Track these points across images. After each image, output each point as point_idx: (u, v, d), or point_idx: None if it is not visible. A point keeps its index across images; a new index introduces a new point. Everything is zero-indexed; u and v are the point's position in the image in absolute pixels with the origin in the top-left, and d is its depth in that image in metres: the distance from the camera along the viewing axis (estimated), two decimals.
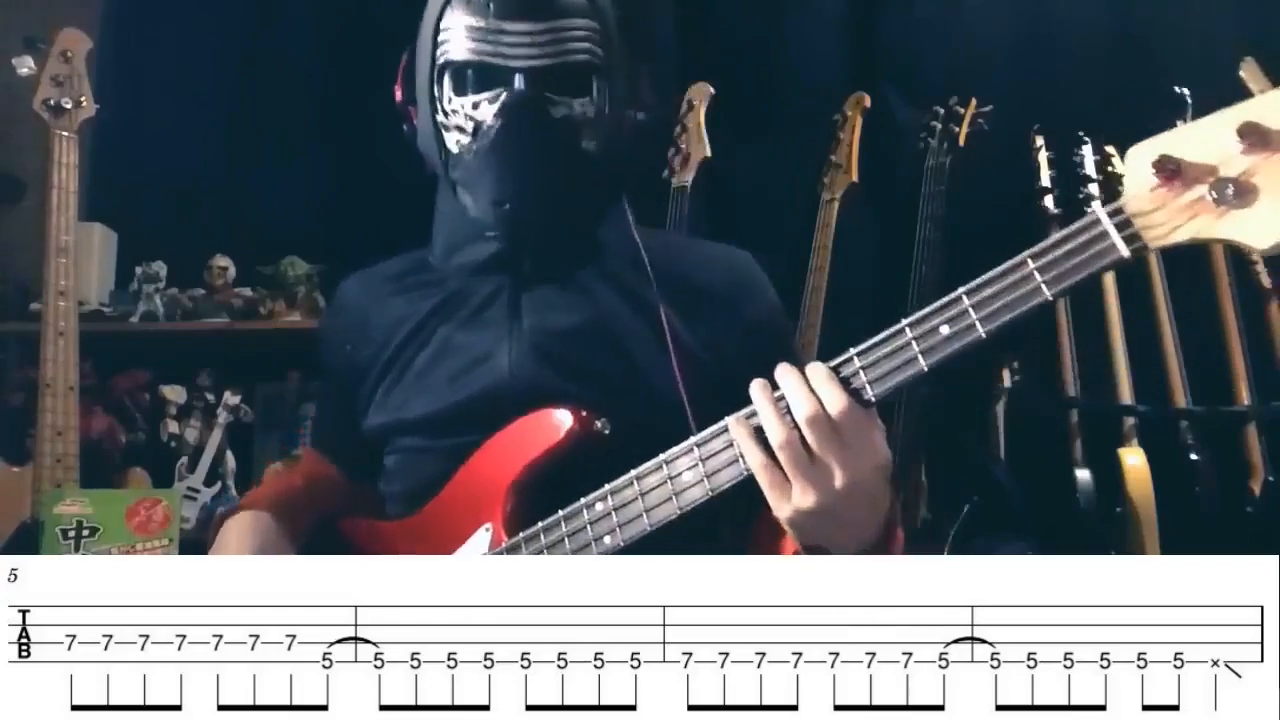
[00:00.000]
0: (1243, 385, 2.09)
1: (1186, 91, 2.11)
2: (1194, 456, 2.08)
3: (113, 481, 2.15)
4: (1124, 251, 0.73)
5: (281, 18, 2.63)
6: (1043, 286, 0.75)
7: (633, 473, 0.90)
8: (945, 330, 0.78)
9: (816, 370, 0.82)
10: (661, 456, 0.89)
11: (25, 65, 1.98)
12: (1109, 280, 2.17)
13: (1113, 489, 2.05)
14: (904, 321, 0.80)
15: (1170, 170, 0.72)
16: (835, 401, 0.79)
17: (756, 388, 0.83)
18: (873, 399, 0.81)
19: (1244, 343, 2.11)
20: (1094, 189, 2.23)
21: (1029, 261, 0.76)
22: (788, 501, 0.81)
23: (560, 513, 0.94)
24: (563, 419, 0.98)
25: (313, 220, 2.49)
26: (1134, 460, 2.06)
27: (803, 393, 0.81)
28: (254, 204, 2.52)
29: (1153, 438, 2.10)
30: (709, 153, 2.25)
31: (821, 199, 2.28)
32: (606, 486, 0.91)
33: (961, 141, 2.25)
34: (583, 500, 0.92)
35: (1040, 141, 2.28)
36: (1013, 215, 2.29)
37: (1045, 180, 2.25)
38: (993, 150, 2.28)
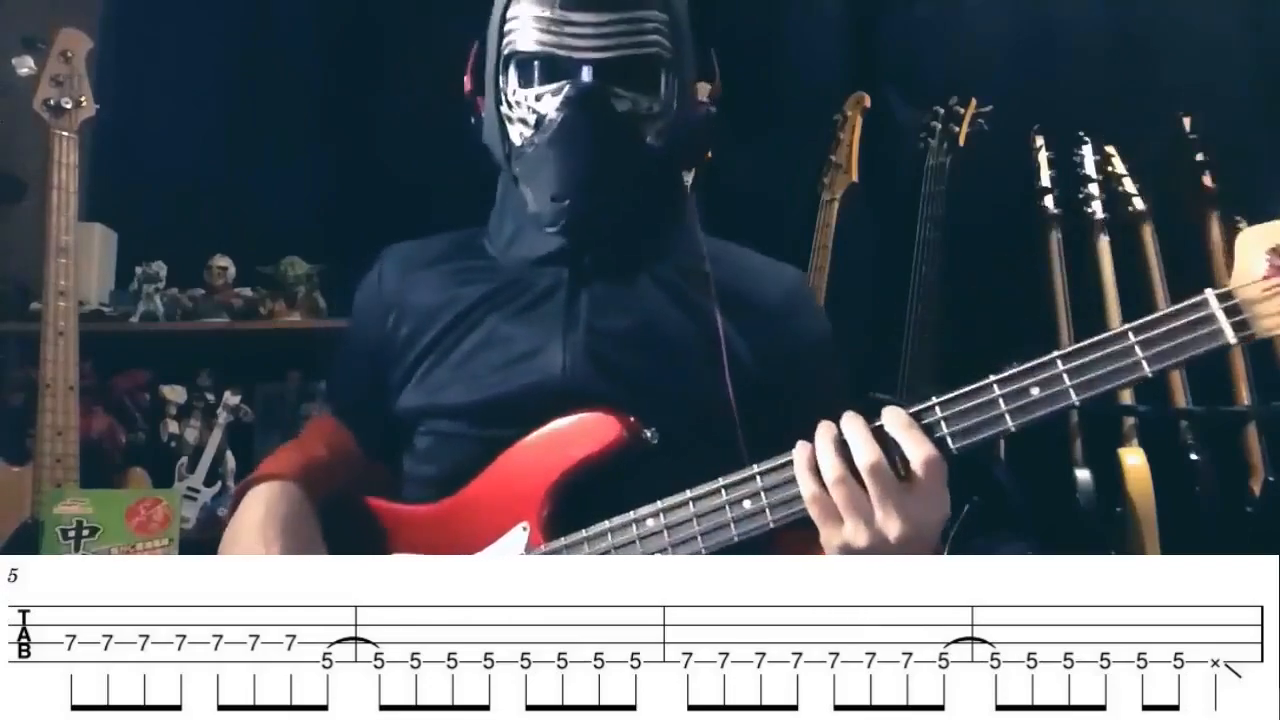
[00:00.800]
0: (1243, 385, 2.09)
1: (1184, 115, 2.12)
2: (1194, 456, 2.08)
3: (113, 481, 2.14)
4: (1231, 339, 0.73)
5: (281, 18, 2.63)
6: (1143, 363, 0.75)
7: (689, 492, 0.88)
8: (1036, 392, 0.78)
9: (896, 415, 0.81)
10: (721, 480, 0.87)
11: (25, 65, 1.98)
12: (1109, 280, 2.17)
13: (1113, 489, 2.05)
14: (992, 378, 0.79)
15: None
16: (919, 449, 0.79)
17: (821, 428, 0.82)
18: (955, 451, 0.80)
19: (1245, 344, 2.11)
20: (1094, 189, 2.24)
21: (1130, 334, 0.76)
22: (839, 536, 0.81)
23: (607, 523, 0.92)
24: (612, 424, 0.96)
25: (313, 220, 2.49)
26: (1134, 460, 2.06)
27: (866, 440, 0.80)
28: (254, 204, 2.52)
29: (1153, 438, 2.10)
30: (709, 153, 2.24)
31: (821, 199, 2.28)
32: (660, 503, 0.89)
33: (961, 141, 2.25)
34: (633, 514, 0.90)
35: (1040, 141, 2.28)
36: (1013, 215, 2.29)
37: (1045, 180, 2.26)
38: (993, 150, 2.28)
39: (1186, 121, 2.22)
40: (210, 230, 2.54)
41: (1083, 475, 2.09)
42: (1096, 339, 0.77)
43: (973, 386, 0.80)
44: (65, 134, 1.98)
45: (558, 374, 1.02)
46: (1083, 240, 2.23)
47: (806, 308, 1.13)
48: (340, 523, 1.05)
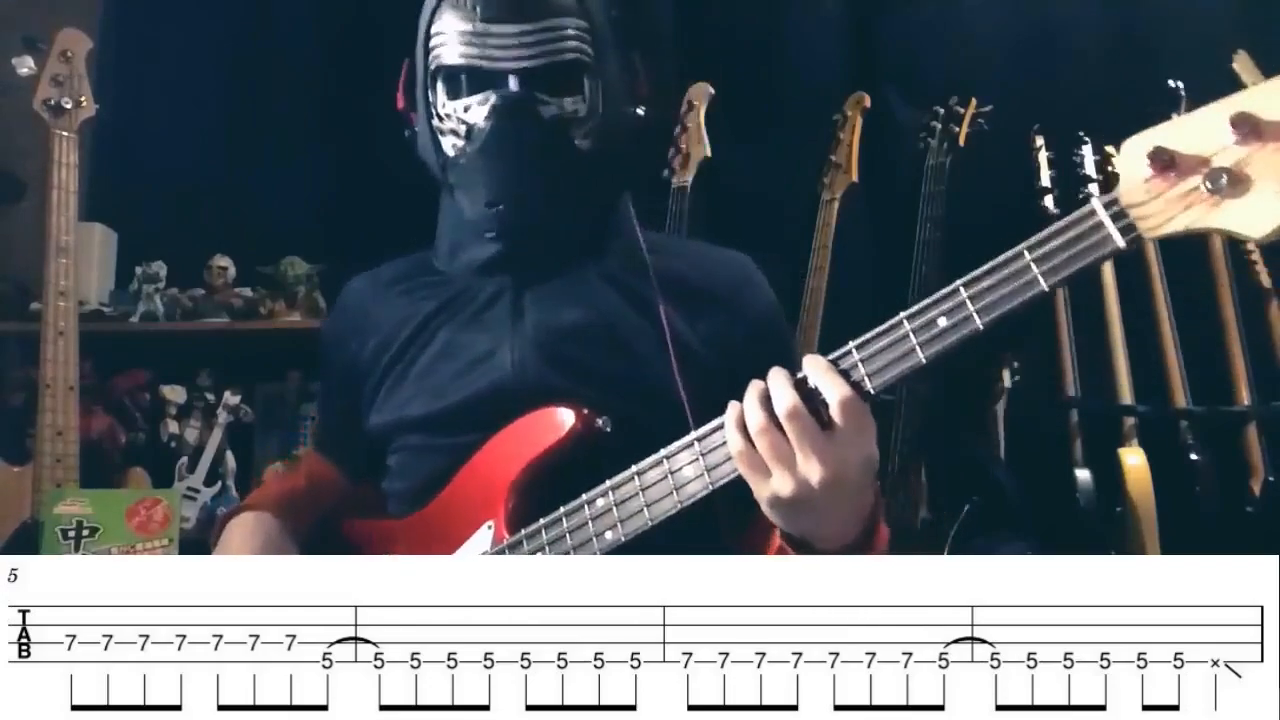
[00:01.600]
0: (1243, 385, 2.09)
1: (1181, 85, 2.11)
2: (1194, 456, 2.08)
3: (113, 481, 2.15)
4: (1120, 242, 0.74)
5: (281, 18, 2.63)
6: (1039, 278, 0.76)
7: (634, 468, 0.90)
8: (943, 322, 0.79)
9: (815, 361, 0.82)
10: (662, 451, 0.89)
11: (25, 65, 1.98)
12: (1109, 279, 2.17)
13: (1113, 489, 2.05)
14: (902, 314, 0.80)
15: (1164, 161, 0.72)
16: (836, 390, 0.80)
17: (750, 386, 0.84)
18: (873, 391, 0.81)
19: (1244, 343, 2.11)
20: (1094, 189, 2.23)
21: (1025, 253, 0.76)
22: (766, 486, 0.82)
23: (561, 509, 0.94)
24: (564, 417, 0.99)
25: (313, 220, 2.49)
26: (1134, 460, 2.06)
27: (784, 388, 0.81)
28: (254, 204, 2.52)
29: (1153, 438, 2.10)
30: (709, 153, 2.25)
31: (821, 199, 2.28)
32: (608, 482, 0.91)
33: (961, 141, 2.25)
34: (584, 496, 0.92)
35: (1040, 141, 2.28)
36: (1013, 215, 2.29)
37: (1045, 180, 2.26)
38: (993, 150, 2.28)
39: None
40: (210, 230, 2.54)
41: (1083, 475, 2.08)
42: (994, 262, 0.78)
43: (884, 326, 0.81)
44: (65, 134, 1.98)
45: (509, 375, 1.05)
46: None
47: (754, 290, 1.13)
48: (321, 548, 1.09)
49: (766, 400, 0.82)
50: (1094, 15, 2.43)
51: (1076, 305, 2.17)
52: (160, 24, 2.63)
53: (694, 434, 0.88)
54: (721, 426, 0.86)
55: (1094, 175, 2.24)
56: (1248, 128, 0.70)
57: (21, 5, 2.33)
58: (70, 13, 2.26)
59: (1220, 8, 2.37)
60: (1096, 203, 0.75)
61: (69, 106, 1.98)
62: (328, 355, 1.21)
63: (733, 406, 0.84)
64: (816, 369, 0.82)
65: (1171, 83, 2.11)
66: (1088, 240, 0.75)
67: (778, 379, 0.83)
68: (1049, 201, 2.24)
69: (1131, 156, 0.74)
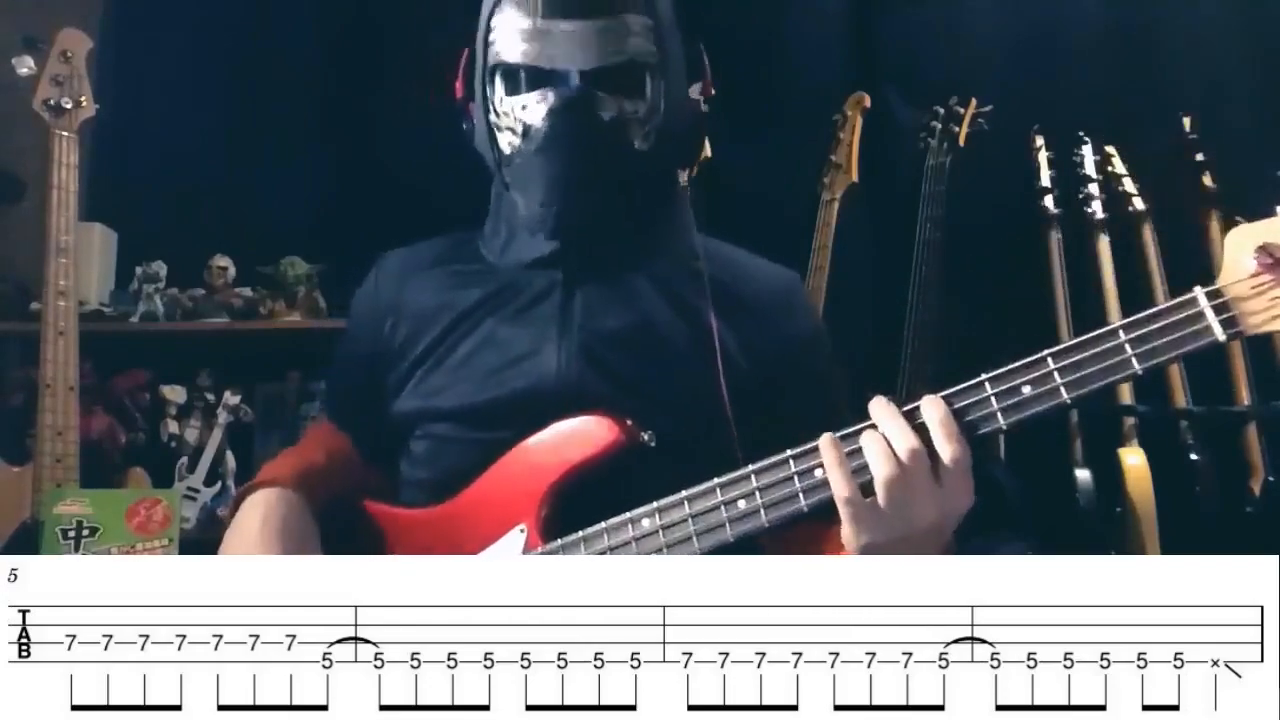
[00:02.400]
0: (1243, 385, 2.09)
1: (1184, 116, 2.12)
2: (1194, 456, 2.08)
3: (113, 481, 2.14)
4: (1220, 336, 0.74)
5: (281, 18, 2.63)
6: (1133, 360, 0.76)
7: (684, 493, 0.88)
8: (1027, 391, 0.78)
9: (938, 406, 0.80)
10: (716, 481, 0.87)
11: (25, 65, 1.98)
12: (1109, 279, 2.17)
13: (1113, 489, 2.05)
14: (984, 376, 0.80)
15: (1272, 259, 0.72)
16: (951, 447, 0.79)
17: (868, 435, 0.82)
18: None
19: (1244, 343, 2.10)
20: (1094, 189, 2.24)
21: (1121, 333, 0.76)
22: (867, 535, 0.81)
23: (603, 524, 0.92)
24: (610, 427, 0.96)
25: (313, 220, 2.49)
26: (1134, 460, 2.06)
27: (905, 431, 0.80)
28: (254, 204, 2.52)
29: (1153, 438, 2.10)
30: (709, 153, 2.25)
31: (821, 199, 2.28)
32: (655, 504, 0.89)
33: (961, 141, 2.25)
34: (628, 515, 0.90)
35: (1040, 141, 2.28)
36: (1013, 215, 2.29)
37: (1045, 180, 2.26)
38: (993, 150, 2.28)
39: (1186, 121, 2.22)
40: (210, 230, 2.53)
41: (1083, 475, 2.09)
42: (1087, 336, 0.77)
43: (964, 385, 0.80)
44: (65, 134, 1.97)
45: (552, 376, 1.02)
46: (1083, 240, 2.23)
47: (800, 308, 1.12)
48: (339, 527, 1.06)
49: (889, 450, 0.80)
50: (1094, 15, 2.42)
51: (1077, 304, 2.17)
52: (160, 24, 2.63)
53: (751, 467, 0.86)
54: (781, 463, 0.85)
55: (1094, 175, 2.25)
56: None
57: (21, 5, 2.33)
58: (70, 13, 2.25)
59: (1222, 7, 2.37)
60: (1200, 293, 0.75)
61: (69, 106, 1.98)
62: (356, 327, 1.17)
63: (829, 444, 0.82)
64: (937, 415, 0.80)
65: (1179, 114, 2.12)
66: (1187, 329, 0.75)
67: (895, 422, 0.80)
68: (1049, 201, 2.24)
69: (1237, 249, 0.74)
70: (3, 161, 2.46)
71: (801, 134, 2.38)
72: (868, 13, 2.50)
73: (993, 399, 0.79)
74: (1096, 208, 2.23)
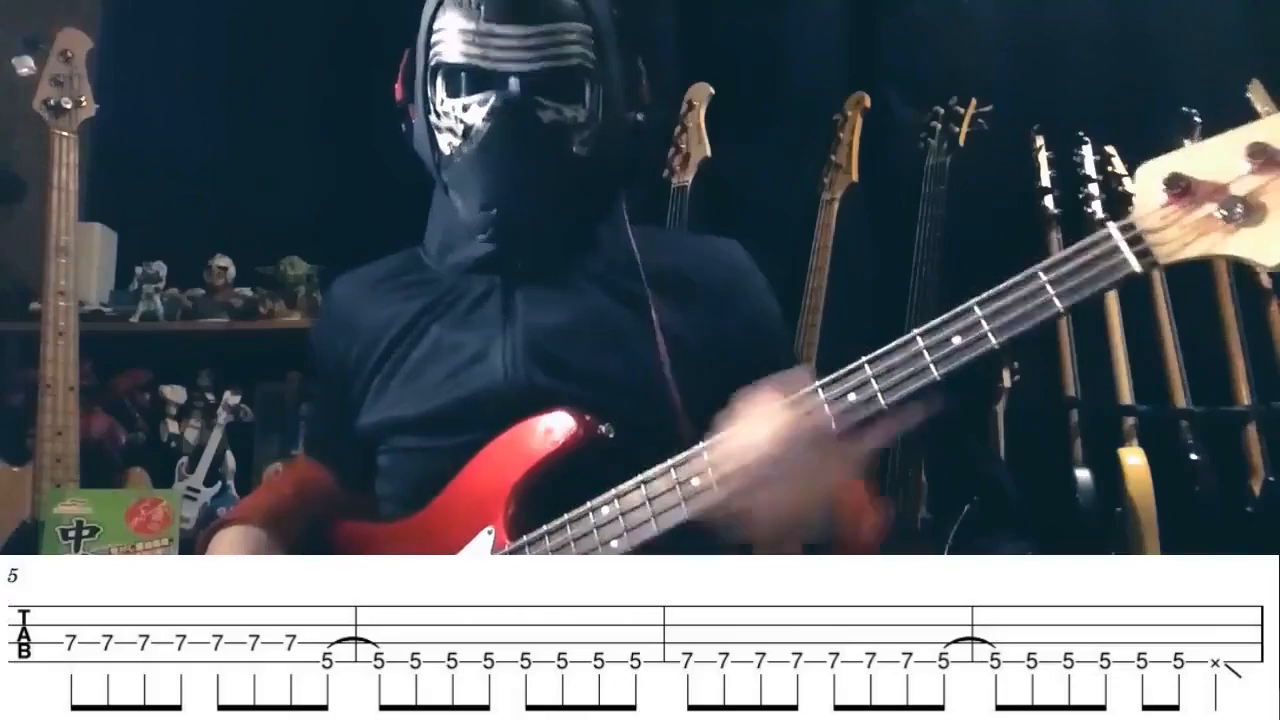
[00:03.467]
0: (1243, 385, 2.08)
1: (1195, 112, 2.11)
2: (1194, 456, 2.08)
3: (113, 481, 2.14)
4: (1135, 266, 0.75)
5: (281, 17, 2.63)
6: (1055, 299, 0.77)
7: (639, 477, 0.89)
8: (958, 340, 0.80)
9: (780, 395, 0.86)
10: (670, 461, 0.88)
11: (25, 65, 1.98)
12: None
13: (1113, 489, 2.05)
14: (915, 331, 0.81)
15: (1180, 188, 0.73)
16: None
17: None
18: (885, 405, 0.82)
19: (1244, 343, 2.11)
20: (1094, 189, 2.23)
21: (1041, 274, 0.78)
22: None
23: (565, 516, 0.93)
24: (567, 423, 0.98)
25: (313, 220, 2.49)
26: (1134, 460, 2.05)
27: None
28: (254, 204, 2.52)
29: (1153, 438, 2.09)
30: (709, 153, 2.25)
31: (821, 199, 2.28)
32: (613, 490, 0.91)
33: (961, 141, 2.25)
34: (588, 504, 0.92)
35: (1040, 141, 2.28)
36: (1013, 215, 2.29)
37: (1045, 180, 2.25)
38: (993, 150, 2.27)
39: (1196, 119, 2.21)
40: (210, 230, 2.53)
41: (1083, 475, 2.08)
42: (1008, 282, 0.79)
43: (898, 342, 0.82)
44: (65, 134, 1.98)
45: (500, 377, 1.04)
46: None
47: (747, 280, 1.13)
48: (313, 553, 1.07)
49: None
50: (1095, 16, 2.42)
51: (1076, 304, 2.17)
52: (160, 23, 2.63)
53: (704, 444, 0.88)
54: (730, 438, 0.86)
55: (1094, 175, 2.24)
56: (1264, 157, 0.72)
57: (21, 5, 2.33)
58: (70, 13, 2.26)
59: (1222, 7, 2.37)
60: (1113, 227, 0.76)
61: (69, 106, 1.98)
62: (317, 358, 1.20)
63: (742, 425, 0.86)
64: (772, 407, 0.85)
65: (1185, 109, 2.11)
66: (1104, 264, 0.76)
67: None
68: (1049, 201, 2.24)
69: (1147, 181, 0.76)
70: (3, 161, 2.46)
71: (801, 134, 2.38)
72: (868, 13, 2.50)
73: (925, 352, 0.81)
74: (1096, 208, 2.22)
